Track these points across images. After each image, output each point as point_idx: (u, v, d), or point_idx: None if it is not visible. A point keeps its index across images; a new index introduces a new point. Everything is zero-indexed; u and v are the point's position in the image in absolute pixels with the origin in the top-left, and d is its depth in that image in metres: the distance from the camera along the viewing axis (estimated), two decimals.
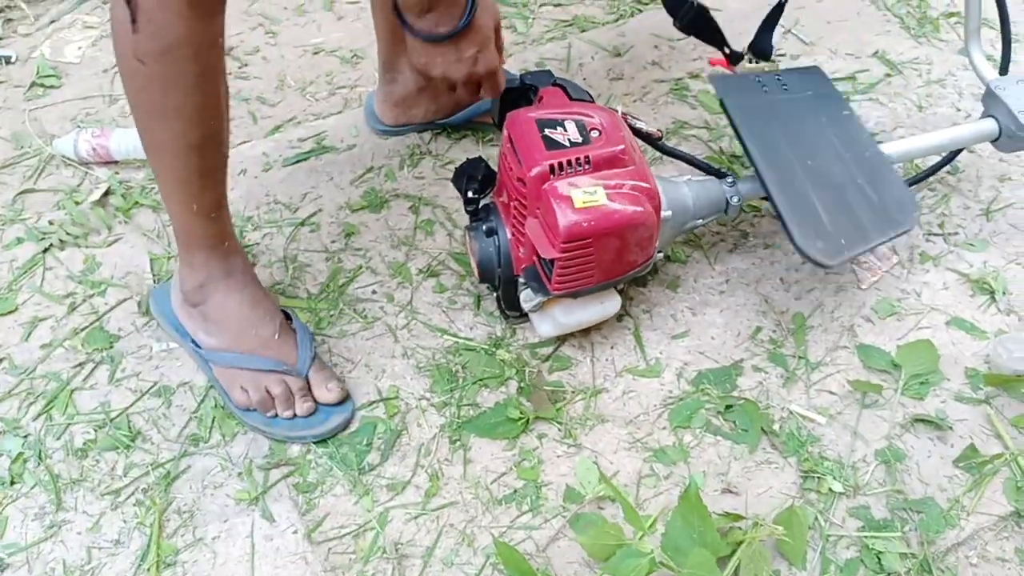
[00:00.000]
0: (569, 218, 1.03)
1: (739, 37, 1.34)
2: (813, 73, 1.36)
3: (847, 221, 1.18)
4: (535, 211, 1.08)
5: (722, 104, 1.23)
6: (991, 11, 1.31)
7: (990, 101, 1.31)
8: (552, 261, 1.07)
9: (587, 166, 1.06)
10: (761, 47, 1.32)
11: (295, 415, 1.13)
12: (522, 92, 1.17)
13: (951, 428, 1.16)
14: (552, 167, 1.05)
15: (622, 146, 1.08)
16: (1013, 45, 1.33)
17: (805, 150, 1.22)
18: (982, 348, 1.24)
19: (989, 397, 1.19)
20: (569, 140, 1.07)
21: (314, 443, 1.13)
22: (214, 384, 1.17)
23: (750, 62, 1.33)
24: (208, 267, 1.12)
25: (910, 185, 1.41)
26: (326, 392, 1.14)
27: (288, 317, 1.19)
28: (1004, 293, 1.30)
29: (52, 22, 1.69)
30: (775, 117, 1.24)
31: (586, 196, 1.04)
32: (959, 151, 1.41)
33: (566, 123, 1.09)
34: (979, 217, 1.40)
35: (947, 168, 1.44)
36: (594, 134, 1.08)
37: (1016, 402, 1.19)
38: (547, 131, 1.08)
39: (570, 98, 1.15)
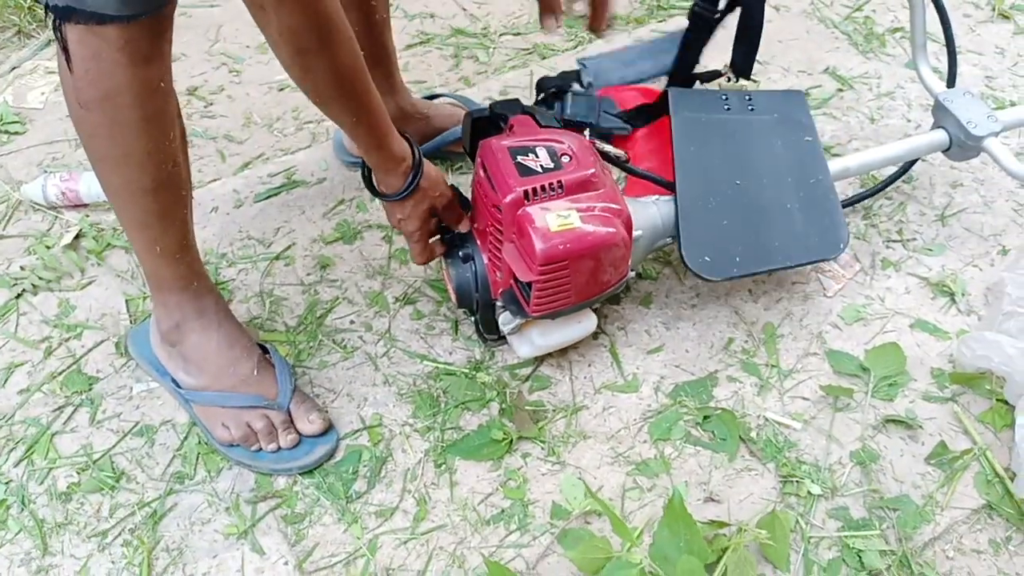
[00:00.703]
0: (545, 242, 1.06)
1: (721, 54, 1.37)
2: (790, 97, 1.37)
3: (752, 242, 1.23)
4: (511, 236, 1.10)
5: (670, 118, 1.27)
6: (934, 26, 1.37)
7: (939, 113, 1.37)
8: (530, 284, 1.09)
9: (560, 190, 1.09)
10: (740, 66, 1.34)
11: (279, 448, 1.14)
12: (492, 121, 1.20)
13: (921, 427, 1.20)
14: (526, 192, 1.08)
15: (592, 170, 1.11)
16: (957, 58, 1.39)
17: (738, 170, 1.26)
18: (946, 348, 1.29)
19: (955, 395, 1.24)
20: (541, 166, 1.10)
21: (300, 474, 1.14)
22: (196, 422, 1.17)
23: (728, 80, 1.36)
24: (181, 308, 1.13)
25: (869, 196, 1.46)
26: (308, 424, 1.15)
27: (266, 351, 1.19)
28: (963, 294, 1.35)
29: (13, 68, 1.69)
30: (722, 135, 1.28)
31: (560, 220, 1.07)
32: (914, 161, 1.46)
33: (537, 149, 1.12)
34: (935, 222, 1.45)
35: (903, 176, 1.49)
36: (565, 159, 1.11)
37: (981, 398, 1.23)
38: (519, 158, 1.10)
39: (539, 125, 1.18)
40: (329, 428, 1.17)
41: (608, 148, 1.23)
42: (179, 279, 1.11)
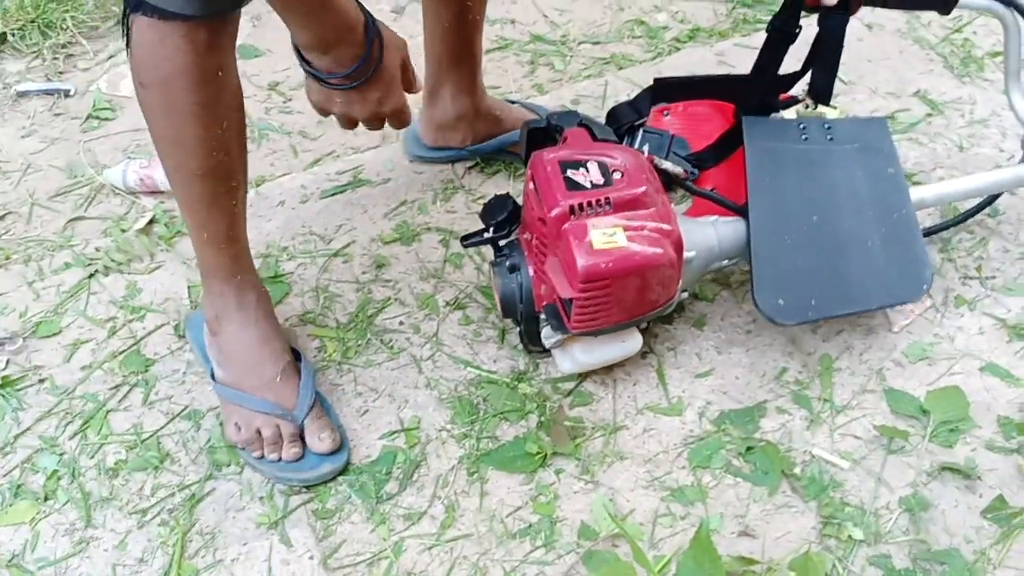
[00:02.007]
0: (587, 259, 1.04)
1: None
2: (873, 124, 1.31)
3: (830, 283, 1.18)
4: (555, 250, 1.09)
5: (745, 147, 1.23)
6: None
7: None
8: (571, 300, 1.08)
9: (607, 207, 1.07)
10: (818, 91, 1.27)
11: (280, 458, 1.14)
12: (547, 132, 1.19)
13: (980, 478, 1.14)
14: (572, 208, 1.06)
15: (644, 188, 1.09)
16: None
17: (816, 205, 1.20)
18: (1017, 396, 1.22)
19: (1022, 447, 1.16)
20: (591, 181, 1.09)
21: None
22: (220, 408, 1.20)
23: (806, 107, 1.29)
24: (223, 298, 1.15)
25: (947, 227, 1.39)
26: (318, 442, 1.14)
27: (298, 358, 1.20)
28: None
29: (110, 57, 1.77)
30: (799, 167, 1.22)
31: (605, 237, 1.05)
32: (998, 194, 1.38)
33: (588, 164, 1.10)
34: (1019, 261, 1.37)
35: (987, 210, 1.41)
36: (616, 176, 1.09)
37: None
38: (569, 172, 1.09)
39: (594, 139, 1.17)
40: (340, 447, 1.16)
41: (668, 165, 1.20)
42: (223, 268, 1.14)
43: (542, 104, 1.60)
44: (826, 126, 1.27)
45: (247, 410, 1.14)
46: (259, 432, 1.14)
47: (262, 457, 1.14)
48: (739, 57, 1.71)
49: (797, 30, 1.22)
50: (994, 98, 1.61)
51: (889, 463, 1.15)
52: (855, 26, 1.76)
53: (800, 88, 1.29)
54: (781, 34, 1.22)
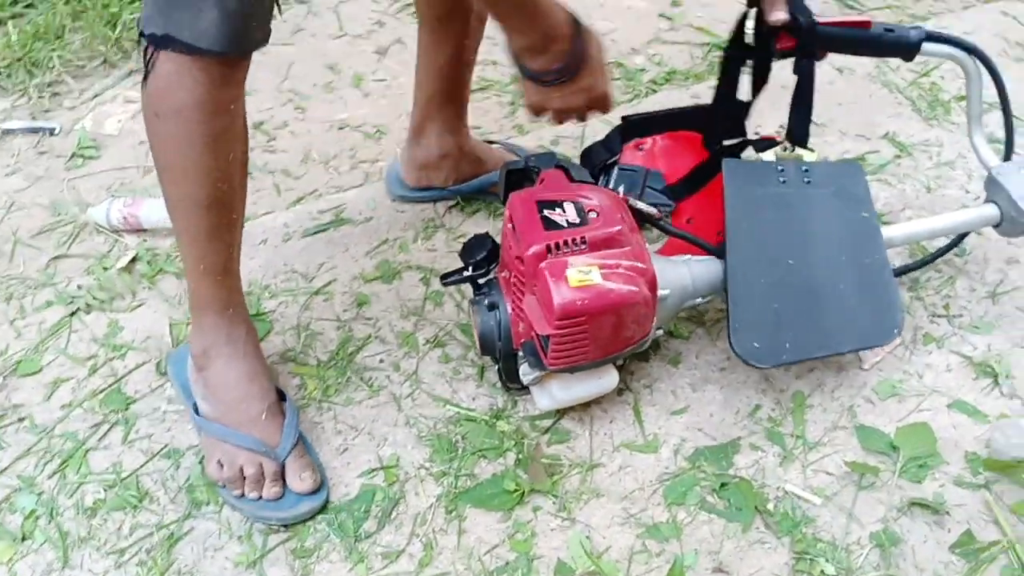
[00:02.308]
0: (563, 296, 1.07)
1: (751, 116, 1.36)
2: (849, 169, 1.34)
3: (804, 326, 1.21)
4: (533, 288, 1.11)
5: (724, 193, 1.25)
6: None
7: (992, 187, 1.33)
8: (548, 337, 1.10)
9: (583, 246, 1.10)
10: (795, 134, 1.30)
11: (260, 497, 1.15)
12: (525, 173, 1.22)
13: (948, 513, 1.16)
14: (549, 247, 1.09)
15: (619, 227, 1.12)
16: (1015, 130, 1.35)
17: (792, 248, 1.23)
18: (984, 432, 1.24)
19: (989, 482, 1.19)
20: (567, 221, 1.11)
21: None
22: (201, 445, 1.20)
23: (784, 150, 1.32)
24: (215, 331, 1.16)
25: (916, 268, 1.42)
26: (299, 481, 1.15)
27: (283, 398, 1.21)
28: (1008, 377, 1.30)
29: (96, 96, 1.79)
30: (776, 209, 1.25)
31: (581, 275, 1.08)
32: (965, 234, 1.42)
33: (565, 204, 1.13)
34: (985, 299, 1.41)
35: (955, 250, 1.45)
36: (591, 215, 1.12)
37: (1016, 488, 1.18)
38: (546, 212, 1.12)
39: (571, 180, 1.19)
40: (320, 487, 1.16)
41: (642, 206, 1.23)
42: (217, 301, 1.15)
43: (522, 145, 1.64)
44: (804, 169, 1.29)
45: (231, 446, 1.15)
46: (241, 470, 1.14)
47: (242, 496, 1.15)
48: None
49: (753, 59, 1.27)
50: (960, 140, 1.66)
51: (860, 499, 1.18)
52: (826, 70, 1.81)
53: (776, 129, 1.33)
54: (731, 60, 1.27)
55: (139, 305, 1.42)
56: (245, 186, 1.12)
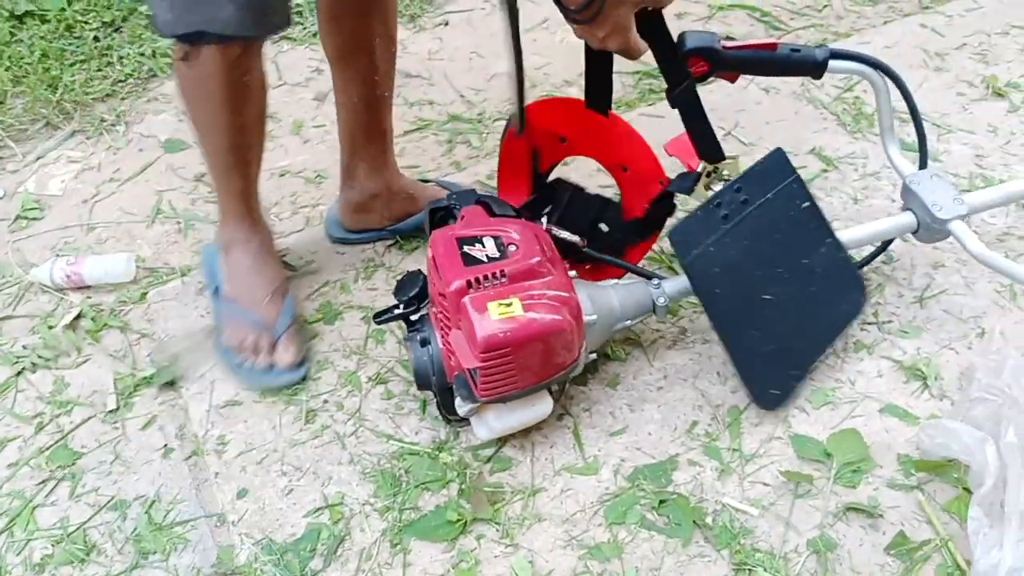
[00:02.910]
0: (486, 329, 1.09)
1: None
2: (772, 162, 1.33)
3: (799, 345, 1.30)
4: (458, 323, 1.14)
5: (683, 267, 1.26)
6: (926, 106, 1.38)
7: (907, 195, 1.38)
8: (476, 370, 1.12)
9: (504, 279, 1.13)
10: (707, 153, 1.31)
11: (253, 366, 1.37)
12: (449, 211, 1.25)
13: (883, 515, 1.19)
14: (470, 282, 1.12)
15: (538, 258, 1.15)
16: (927, 139, 1.40)
17: (762, 282, 1.27)
18: (915, 434, 1.27)
19: (921, 483, 1.22)
20: (487, 255, 1.14)
21: (259, 551, 1.18)
22: (218, 323, 1.43)
23: (707, 174, 1.31)
24: (235, 231, 1.41)
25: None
26: (284, 353, 1.37)
27: (285, 292, 1.44)
28: (936, 379, 1.33)
29: (39, 158, 1.81)
30: (735, 257, 1.25)
31: (502, 308, 1.10)
32: (890, 241, 1.46)
33: (484, 240, 1.16)
34: (913, 304, 1.44)
35: (882, 257, 1.49)
36: (511, 248, 1.15)
37: (948, 487, 1.21)
38: (466, 248, 1.15)
39: (492, 215, 1.23)
40: (301, 364, 1.38)
41: (564, 234, 1.26)
42: (237, 212, 1.40)
43: (458, 181, 1.67)
44: (736, 188, 1.28)
45: (240, 321, 1.39)
46: (244, 340, 1.37)
47: (240, 364, 1.37)
48: (646, 124, 1.78)
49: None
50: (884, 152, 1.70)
51: (796, 507, 1.20)
52: (753, 91, 1.86)
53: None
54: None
55: (84, 361, 1.43)
56: (263, 132, 1.36)
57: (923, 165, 1.41)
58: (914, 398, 1.32)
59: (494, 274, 1.12)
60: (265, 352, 1.37)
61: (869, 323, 1.42)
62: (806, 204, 1.32)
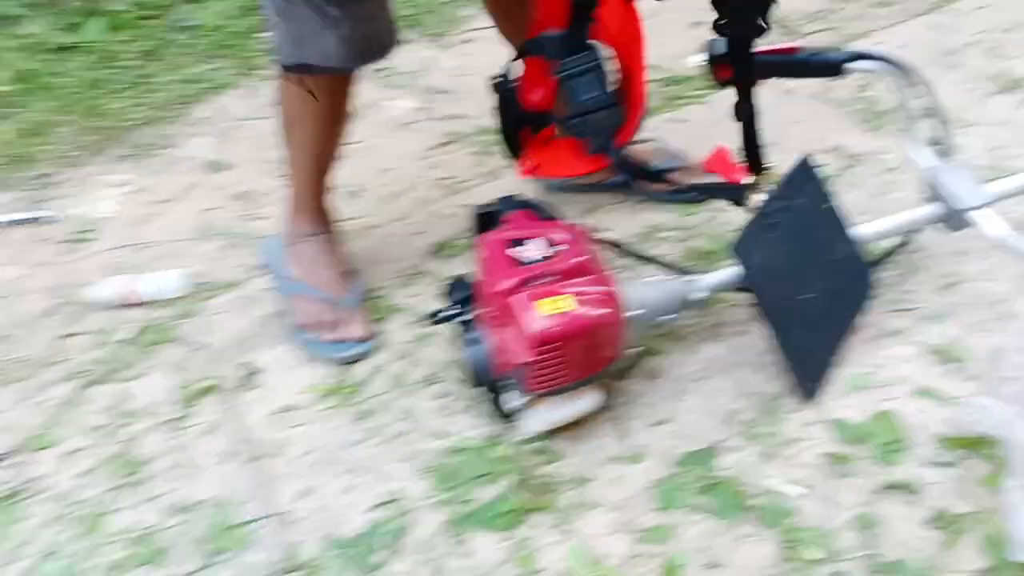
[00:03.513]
0: (538, 325, 1.15)
1: (707, 144, 1.45)
2: (801, 168, 1.41)
3: (828, 335, 1.38)
4: (509, 321, 1.20)
5: (747, 280, 1.34)
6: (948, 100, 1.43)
7: (931, 187, 1.43)
8: (528, 364, 1.18)
9: (552, 277, 1.19)
10: (752, 164, 1.40)
11: (323, 340, 1.47)
12: (496, 215, 1.31)
13: (922, 491, 1.23)
14: (520, 281, 1.18)
15: (584, 257, 1.21)
16: (952, 131, 1.45)
17: (803, 284, 1.36)
18: (949, 414, 1.32)
19: (958, 460, 1.26)
20: (534, 256, 1.21)
21: (326, 545, 1.23)
22: (286, 306, 1.54)
23: (752, 183, 1.42)
24: (305, 223, 1.55)
25: (876, 265, 1.51)
26: (353, 328, 1.48)
27: (353, 273, 1.57)
28: (967, 360, 1.38)
29: (88, 182, 1.89)
30: (779, 255, 1.34)
31: (551, 304, 1.16)
32: (915, 232, 1.51)
33: (531, 241, 1.22)
34: (941, 291, 1.49)
35: (908, 247, 1.54)
36: (556, 249, 1.22)
37: (983, 462, 1.25)
38: (515, 249, 1.21)
39: (538, 218, 1.29)
40: (369, 338, 1.48)
41: (606, 234, 1.32)
42: (311, 208, 1.55)
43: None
44: (777, 197, 1.37)
45: (310, 298, 1.50)
46: (317, 316, 1.48)
47: (311, 340, 1.48)
48: (671, 130, 1.85)
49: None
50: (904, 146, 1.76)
51: (839, 487, 1.25)
52: (774, 93, 1.92)
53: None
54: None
55: (146, 373, 1.50)
56: (341, 144, 1.51)
57: (945, 157, 1.46)
58: (946, 380, 1.37)
59: (543, 273, 1.18)
60: (335, 326, 1.47)
61: (899, 310, 1.47)
62: (826, 205, 1.39)
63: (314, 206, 1.55)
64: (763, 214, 1.35)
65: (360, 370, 1.46)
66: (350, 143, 1.91)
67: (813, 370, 1.36)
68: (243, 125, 2.04)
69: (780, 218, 1.35)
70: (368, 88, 2.07)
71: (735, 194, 1.38)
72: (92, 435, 1.41)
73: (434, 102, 2.01)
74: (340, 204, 1.78)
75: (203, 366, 1.50)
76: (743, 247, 1.33)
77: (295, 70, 1.33)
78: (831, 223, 1.39)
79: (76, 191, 1.88)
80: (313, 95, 1.36)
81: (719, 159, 1.38)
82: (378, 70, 2.11)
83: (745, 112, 1.35)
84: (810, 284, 1.36)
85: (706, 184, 1.36)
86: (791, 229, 1.36)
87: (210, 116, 2.05)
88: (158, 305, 1.60)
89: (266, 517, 1.28)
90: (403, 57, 2.14)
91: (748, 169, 1.39)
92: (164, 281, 1.59)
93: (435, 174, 1.83)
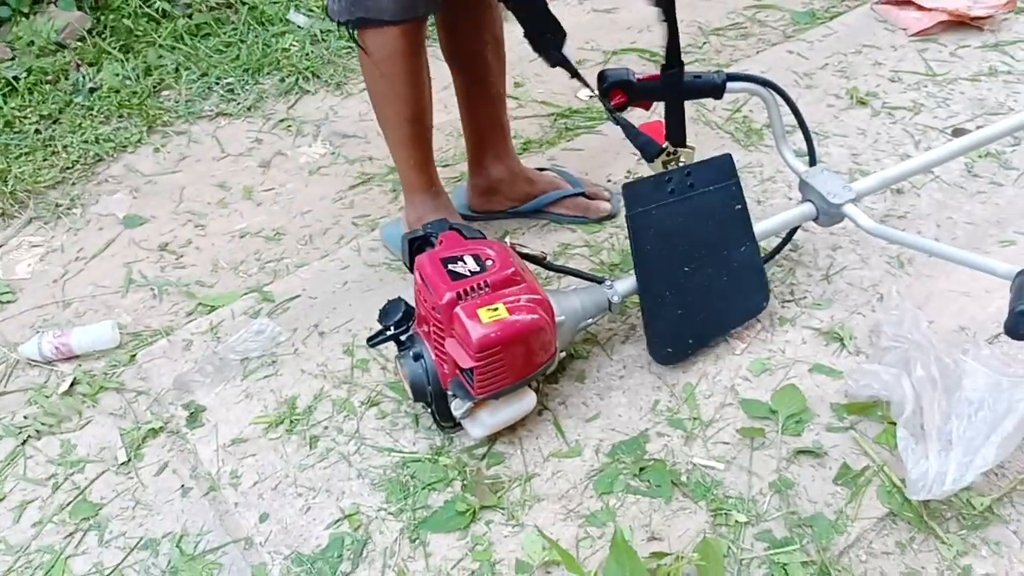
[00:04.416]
0: (479, 332, 1.26)
1: (602, 170, 1.61)
2: (721, 164, 1.53)
3: (702, 320, 1.50)
4: (451, 332, 1.30)
5: (626, 217, 1.46)
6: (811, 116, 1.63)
7: (805, 189, 1.62)
8: (471, 370, 1.28)
9: (487, 288, 1.30)
10: (673, 137, 1.51)
11: None
12: (425, 239, 1.42)
13: (826, 454, 1.39)
14: (459, 293, 1.28)
15: (513, 268, 1.33)
16: (814, 141, 1.65)
17: (686, 256, 1.49)
18: (841, 386, 1.49)
19: (853, 424, 1.43)
20: (469, 270, 1.31)
21: (291, 563, 1.29)
22: None
23: (668, 155, 1.52)
24: (423, 204, 1.66)
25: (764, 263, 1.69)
26: None
27: None
28: (851, 339, 1.56)
29: (1, 246, 1.88)
30: (671, 221, 1.47)
31: (490, 312, 1.27)
32: (794, 231, 1.70)
33: (465, 258, 1.33)
34: (821, 281, 1.68)
35: (789, 245, 1.72)
36: (488, 263, 1.33)
37: (875, 423, 1.42)
38: (450, 266, 1.32)
39: (465, 238, 1.40)
40: None
41: (526, 250, 1.44)
42: (423, 184, 1.66)
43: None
44: (686, 173, 1.50)
45: None
46: None
47: None
48: (567, 159, 2.00)
49: None
50: (776, 159, 1.96)
51: (755, 458, 1.39)
52: (655, 117, 2.10)
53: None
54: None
55: (87, 423, 1.52)
56: (432, 104, 1.59)
57: (812, 163, 1.66)
58: (835, 357, 1.54)
59: (479, 284, 1.29)
60: None
61: (788, 300, 1.64)
62: (739, 207, 1.54)
63: (424, 180, 1.65)
64: (665, 177, 1.48)
65: (304, 400, 1.52)
66: (266, 190, 2.01)
67: (675, 341, 1.50)
68: (154, 180, 2.07)
69: (681, 190, 1.48)
70: (276, 138, 2.16)
71: (649, 148, 1.50)
72: (40, 486, 1.42)
73: (343, 146, 2.10)
74: (261, 247, 1.86)
75: (145, 411, 1.53)
76: (632, 191, 1.46)
77: (351, 25, 1.44)
78: (738, 224, 1.54)
79: None
80: (365, 51, 1.47)
81: (653, 127, 1.51)
82: (283, 120, 2.21)
83: (672, 81, 1.48)
84: (697, 264, 1.49)
85: (629, 126, 1.46)
86: (690, 206, 1.49)
87: (119, 174, 2.08)
88: (91, 357, 1.62)
89: (230, 543, 1.33)
90: (307, 106, 2.25)
91: (667, 137, 1.52)
92: (97, 333, 1.62)
93: (350, 213, 1.91)
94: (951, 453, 1.27)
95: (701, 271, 1.50)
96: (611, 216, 1.84)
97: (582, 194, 1.84)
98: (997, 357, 1.37)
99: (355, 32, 1.46)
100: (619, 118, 1.45)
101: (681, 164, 1.52)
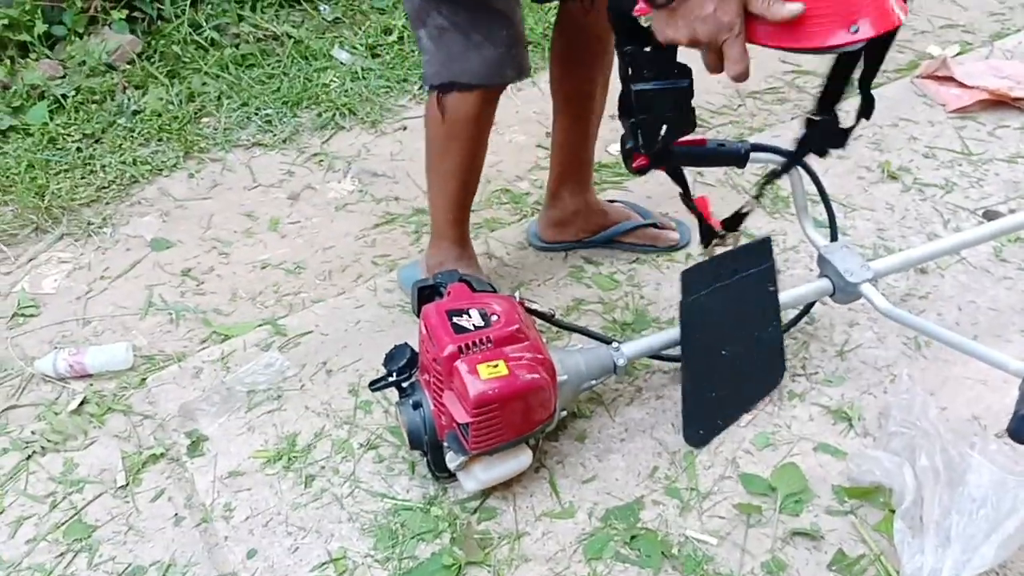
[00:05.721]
0: (477, 387, 1.26)
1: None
2: (761, 247, 1.53)
3: (731, 400, 1.52)
4: (450, 385, 1.30)
5: (681, 304, 1.45)
6: (833, 189, 1.62)
7: (823, 264, 1.60)
8: (467, 425, 1.28)
9: (490, 344, 1.30)
10: (733, 225, 1.53)
11: None
12: (435, 288, 1.43)
13: (823, 537, 1.36)
14: (460, 347, 1.29)
15: (517, 326, 1.33)
16: (836, 216, 1.64)
17: (727, 338, 1.50)
18: (845, 467, 1.46)
19: (854, 508, 1.40)
20: (473, 324, 1.32)
21: None
22: None
23: (721, 235, 1.54)
24: (448, 252, 1.70)
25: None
26: None
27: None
28: (859, 419, 1.54)
29: (30, 260, 1.94)
30: (716, 306, 1.47)
31: (490, 369, 1.27)
32: (811, 305, 1.68)
33: (470, 311, 1.34)
34: (835, 357, 1.66)
35: (805, 319, 1.71)
36: (494, 318, 1.33)
37: (876, 510, 1.39)
38: (455, 319, 1.32)
39: (473, 291, 1.41)
40: None
41: (535, 306, 1.45)
42: (453, 235, 1.70)
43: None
44: (733, 257, 1.51)
45: None
46: None
47: None
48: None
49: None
50: (799, 229, 1.95)
51: (750, 535, 1.37)
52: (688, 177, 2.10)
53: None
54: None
55: (91, 443, 1.54)
56: (481, 169, 1.64)
57: (834, 238, 1.64)
58: (842, 436, 1.52)
59: (481, 340, 1.29)
60: None
61: (799, 375, 1.62)
62: (772, 288, 1.54)
63: (456, 234, 1.69)
64: (719, 262, 1.49)
65: (304, 437, 1.53)
66: (292, 222, 2.05)
67: (707, 423, 1.51)
68: (185, 205, 2.12)
69: (728, 273, 1.49)
70: (308, 171, 2.20)
71: (707, 234, 1.52)
72: (38, 503, 1.44)
73: (372, 184, 2.13)
74: (280, 280, 1.88)
75: (149, 436, 1.55)
76: (690, 277, 1.46)
77: (443, 88, 1.48)
78: (769, 305, 1.54)
79: (18, 268, 1.93)
80: (442, 113, 1.51)
81: (703, 203, 1.53)
82: (316, 154, 2.24)
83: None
84: (732, 346, 1.50)
85: (695, 209, 1.47)
86: (734, 290, 1.49)
87: (152, 197, 2.13)
88: (103, 377, 1.65)
89: None
90: (341, 142, 2.29)
91: (723, 224, 1.54)
92: (111, 354, 1.65)
93: (372, 251, 1.93)
94: (948, 550, 1.23)
95: (736, 353, 1.51)
96: (680, 247, 1.91)
97: (652, 224, 1.90)
98: (1005, 453, 1.34)
99: (442, 96, 1.50)
100: (689, 202, 1.47)
101: (728, 245, 1.54)
